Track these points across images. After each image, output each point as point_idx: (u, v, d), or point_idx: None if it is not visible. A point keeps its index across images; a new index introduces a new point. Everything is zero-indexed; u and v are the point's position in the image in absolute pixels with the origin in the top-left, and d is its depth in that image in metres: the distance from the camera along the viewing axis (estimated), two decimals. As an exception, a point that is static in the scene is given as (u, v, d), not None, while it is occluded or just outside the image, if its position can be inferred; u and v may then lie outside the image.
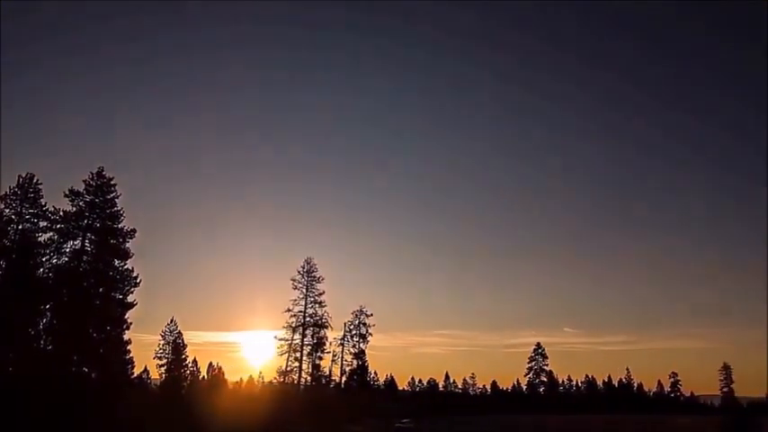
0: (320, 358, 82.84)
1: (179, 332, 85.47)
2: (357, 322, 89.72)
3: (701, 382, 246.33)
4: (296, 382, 79.53)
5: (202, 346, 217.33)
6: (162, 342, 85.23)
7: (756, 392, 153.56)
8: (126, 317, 49.25)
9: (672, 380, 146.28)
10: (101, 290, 49.09)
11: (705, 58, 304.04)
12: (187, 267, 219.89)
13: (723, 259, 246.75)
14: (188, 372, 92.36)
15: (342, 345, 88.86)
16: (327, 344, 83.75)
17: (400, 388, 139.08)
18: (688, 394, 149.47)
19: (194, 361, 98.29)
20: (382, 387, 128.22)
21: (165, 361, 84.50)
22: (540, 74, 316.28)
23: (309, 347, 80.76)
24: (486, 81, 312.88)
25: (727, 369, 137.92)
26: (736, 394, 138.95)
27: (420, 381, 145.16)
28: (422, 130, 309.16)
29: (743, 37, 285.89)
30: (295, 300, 79.68)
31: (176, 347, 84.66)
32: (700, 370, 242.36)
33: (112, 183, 50.56)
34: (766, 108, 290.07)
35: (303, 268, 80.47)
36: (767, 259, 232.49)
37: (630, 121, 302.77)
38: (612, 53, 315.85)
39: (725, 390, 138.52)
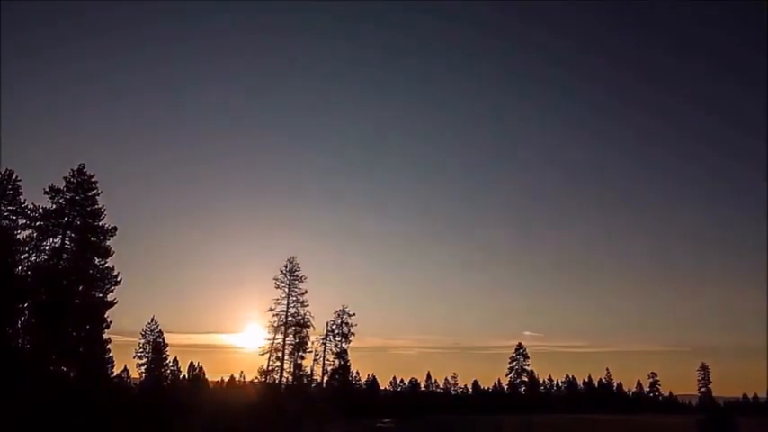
0: (302, 358, 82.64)
1: (159, 331, 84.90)
2: (339, 321, 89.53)
3: (680, 382, 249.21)
4: (277, 381, 79.33)
5: (185, 347, 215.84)
6: (142, 341, 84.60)
7: (733, 392, 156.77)
8: (106, 315, 48.88)
9: (651, 380, 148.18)
10: (80, 288, 48.62)
11: (705, 53, 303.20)
12: (170, 267, 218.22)
13: (706, 263, 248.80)
14: (168, 371, 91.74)
15: (324, 344, 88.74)
16: (309, 343, 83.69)
17: (382, 388, 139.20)
18: (667, 394, 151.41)
19: (175, 360, 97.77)
20: (364, 387, 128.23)
21: (145, 360, 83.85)
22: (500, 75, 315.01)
23: (291, 347, 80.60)
24: (473, 80, 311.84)
25: (705, 369, 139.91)
26: (713, 394, 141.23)
27: (402, 380, 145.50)
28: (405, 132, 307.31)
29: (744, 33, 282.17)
30: (277, 299, 79.41)
31: (157, 346, 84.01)
32: (679, 370, 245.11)
33: (93, 180, 50.07)
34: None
35: (286, 267, 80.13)
36: (767, 260, 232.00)
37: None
38: (612, 47, 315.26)
39: (703, 390, 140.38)
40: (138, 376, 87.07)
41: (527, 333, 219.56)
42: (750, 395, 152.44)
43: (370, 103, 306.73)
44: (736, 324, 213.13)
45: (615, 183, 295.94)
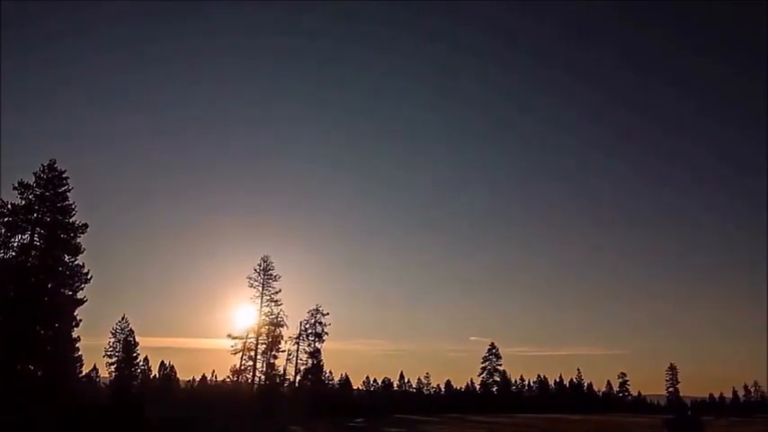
0: (275, 357, 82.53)
1: (130, 330, 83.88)
2: (313, 321, 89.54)
3: (648, 383, 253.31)
4: (250, 381, 79.01)
5: (156, 350, 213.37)
6: (112, 340, 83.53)
7: (700, 392, 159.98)
8: (75, 314, 48.21)
9: (620, 380, 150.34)
10: (49, 286, 47.89)
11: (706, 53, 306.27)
12: (143, 268, 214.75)
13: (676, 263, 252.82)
14: (139, 371, 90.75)
15: (297, 344, 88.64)
16: (283, 343, 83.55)
17: (355, 387, 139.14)
18: (636, 394, 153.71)
19: (146, 359, 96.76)
20: (337, 386, 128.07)
21: (115, 359, 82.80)
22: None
23: (264, 346, 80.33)
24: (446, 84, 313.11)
25: (673, 370, 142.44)
26: (681, 394, 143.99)
27: (375, 380, 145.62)
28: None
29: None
30: (251, 298, 79.16)
31: (127, 345, 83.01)
32: (648, 370, 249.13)
33: (64, 176, 49.36)
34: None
35: (260, 266, 79.94)
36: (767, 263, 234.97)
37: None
38: (611, 51, 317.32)
39: (670, 390, 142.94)
40: (107, 375, 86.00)
41: (473, 338, 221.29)
42: (716, 395, 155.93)
43: (350, 104, 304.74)
44: (700, 327, 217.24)
45: (564, 186, 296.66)
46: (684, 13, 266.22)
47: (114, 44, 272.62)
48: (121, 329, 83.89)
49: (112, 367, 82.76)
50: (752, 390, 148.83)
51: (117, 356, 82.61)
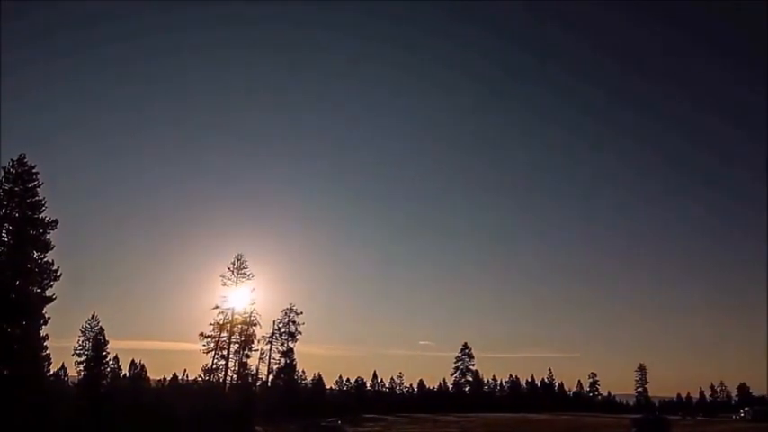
0: (247, 356, 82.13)
1: (100, 328, 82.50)
2: (287, 320, 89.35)
3: (619, 383, 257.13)
4: (222, 380, 78.47)
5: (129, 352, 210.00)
6: (82, 338, 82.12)
7: (668, 392, 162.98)
8: (44, 312, 47.47)
9: (591, 380, 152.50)
10: (17, 282, 47.10)
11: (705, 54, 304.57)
12: (115, 266, 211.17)
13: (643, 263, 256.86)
14: (108, 369, 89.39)
15: (270, 343, 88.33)
16: (256, 342, 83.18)
17: (327, 387, 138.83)
18: (606, 394, 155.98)
19: (116, 358, 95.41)
20: (309, 386, 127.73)
21: (84, 358, 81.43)
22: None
23: (237, 345, 79.88)
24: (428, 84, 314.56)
25: (642, 370, 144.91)
26: (649, 394, 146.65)
27: (348, 380, 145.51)
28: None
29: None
30: (224, 297, 78.61)
31: (97, 344, 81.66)
32: (617, 370, 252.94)
33: (34, 171, 48.57)
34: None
35: (233, 264, 79.45)
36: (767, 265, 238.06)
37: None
38: (613, 48, 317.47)
39: (639, 390, 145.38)
40: (76, 375, 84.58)
41: (422, 342, 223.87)
42: (683, 395, 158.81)
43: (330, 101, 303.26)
44: (668, 329, 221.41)
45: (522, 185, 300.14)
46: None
47: (87, 42, 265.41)
48: (91, 328, 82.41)
49: (81, 366, 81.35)
50: (718, 390, 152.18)
51: (86, 355, 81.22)
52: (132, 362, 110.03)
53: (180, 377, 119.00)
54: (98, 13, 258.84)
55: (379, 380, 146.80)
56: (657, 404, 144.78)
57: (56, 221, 48.45)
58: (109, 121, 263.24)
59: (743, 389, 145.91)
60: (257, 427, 72.83)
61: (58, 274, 47.90)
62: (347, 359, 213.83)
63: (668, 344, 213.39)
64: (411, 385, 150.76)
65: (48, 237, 48.05)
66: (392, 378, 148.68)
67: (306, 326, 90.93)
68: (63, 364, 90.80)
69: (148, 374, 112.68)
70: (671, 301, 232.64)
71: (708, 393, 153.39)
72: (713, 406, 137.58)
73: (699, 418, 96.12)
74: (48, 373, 57.04)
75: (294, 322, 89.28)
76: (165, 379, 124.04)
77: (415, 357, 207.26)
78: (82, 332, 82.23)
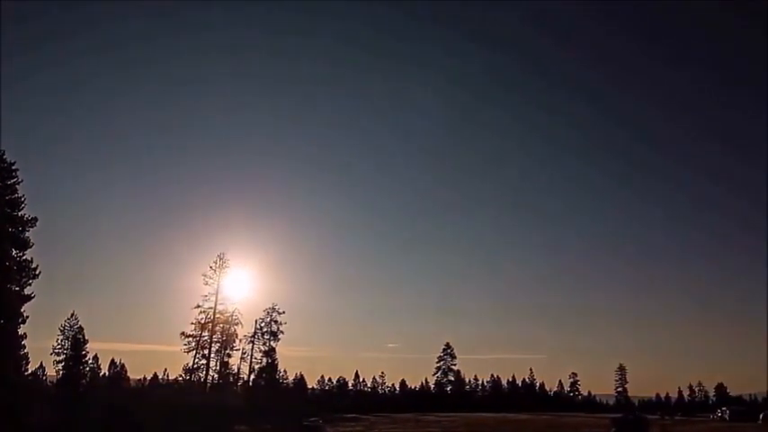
0: (229, 356, 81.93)
1: (80, 327, 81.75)
2: (269, 319, 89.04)
3: (599, 383, 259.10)
4: (203, 379, 78.12)
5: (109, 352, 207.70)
6: (61, 338, 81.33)
7: (647, 392, 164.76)
8: (22, 310, 46.98)
9: (571, 380, 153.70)
10: (-5, 280, 46.56)
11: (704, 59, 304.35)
12: (97, 266, 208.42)
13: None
14: (88, 369, 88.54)
15: (252, 342, 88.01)
16: (237, 341, 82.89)
17: (310, 387, 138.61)
18: (586, 393, 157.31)
19: (95, 357, 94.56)
20: (291, 385, 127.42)
21: (63, 357, 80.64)
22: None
23: (218, 344, 79.55)
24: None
25: (622, 370, 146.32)
26: (629, 394, 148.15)
27: (330, 379, 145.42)
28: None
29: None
30: (206, 296, 78.23)
31: (76, 343, 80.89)
32: (598, 370, 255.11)
33: (14, 168, 48.04)
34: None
35: (216, 263, 79.10)
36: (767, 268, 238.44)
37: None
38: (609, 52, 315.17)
39: (619, 390, 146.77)
40: (55, 374, 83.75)
41: (390, 345, 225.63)
42: (662, 395, 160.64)
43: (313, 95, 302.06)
44: (648, 329, 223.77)
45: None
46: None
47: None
48: (70, 327, 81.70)
49: (60, 366, 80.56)
50: (696, 390, 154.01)
51: (65, 354, 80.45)
52: (112, 361, 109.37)
53: (161, 377, 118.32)
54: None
55: (361, 380, 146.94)
56: (637, 404, 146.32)
57: (35, 219, 48.09)
58: (89, 118, 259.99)
59: (720, 389, 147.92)
60: (237, 427, 72.53)
61: (37, 272, 47.52)
62: (324, 360, 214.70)
63: (647, 344, 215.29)
64: (393, 385, 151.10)
65: (27, 234, 47.67)
66: (374, 378, 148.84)
67: (288, 325, 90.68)
68: (42, 363, 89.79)
69: (128, 374, 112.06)
70: (650, 303, 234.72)
71: (686, 393, 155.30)
72: (691, 406, 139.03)
73: (677, 417, 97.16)
74: (26, 373, 56.36)
75: (276, 322, 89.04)
76: (145, 379, 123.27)
77: (384, 360, 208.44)
78: (61, 331, 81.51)
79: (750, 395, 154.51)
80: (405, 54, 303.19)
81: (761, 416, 76.01)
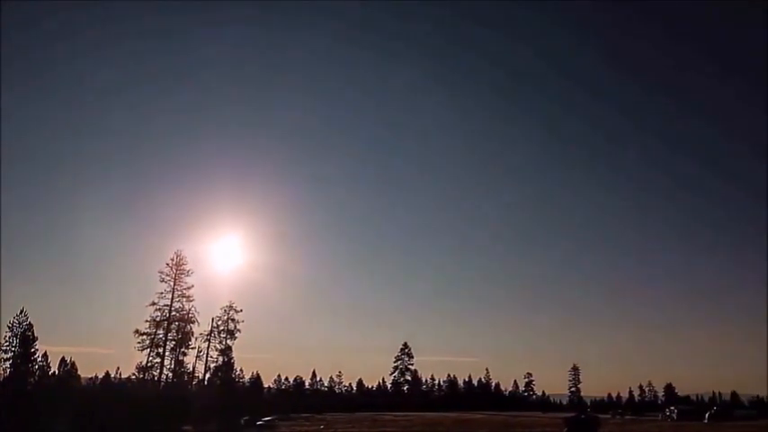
0: (184, 354, 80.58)
1: (29, 324, 79.36)
2: (226, 318, 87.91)
3: (553, 383, 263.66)
4: (156, 378, 76.73)
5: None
6: (8, 335, 78.83)
7: (599, 392, 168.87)
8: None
9: (526, 380, 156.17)
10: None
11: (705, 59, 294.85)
12: (50, 265, 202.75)
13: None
14: (36, 367, 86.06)
15: (208, 341, 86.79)
16: (193, 339, 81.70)
17: (266, 386, 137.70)
18: (540, 393, 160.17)
19: (44, 355, 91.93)
20: (248, 384, 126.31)
21: (10, 355, 78.15)
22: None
23: (173, 343, 78.28)
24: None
25: (575, 370, 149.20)
26: (582, 394, 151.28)
27: (286, 379, 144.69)
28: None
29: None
30: (161, 293, 76.98)
31: (25, 340, 78.53)
32: (552, 371, 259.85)
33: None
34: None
35: (172, 261, 77.98)
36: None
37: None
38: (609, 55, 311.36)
39: (573, 389, 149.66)
40: (1, 372, 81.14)
41: (347, 344, 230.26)
42: (614, 395, 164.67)
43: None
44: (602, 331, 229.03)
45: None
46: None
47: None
48: (19, 324, 79.25)
49: (7, 363, 78.09)
50: (646, 390, 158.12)
51: (13, 352, 78.01)
52: (62, 360, 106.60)
53: (113, 375, 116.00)
54: None
55: (318, 378, 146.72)
56: (589, 403, 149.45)
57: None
58: (48, 112, 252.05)
59: (669, 389, 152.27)
60: (186, 427, 71.65)
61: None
62: (279, 362, 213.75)
63: (600, 346, 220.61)
64: (350, 384, 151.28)
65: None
66: (331, 377, 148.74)
67: (245, 323, 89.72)
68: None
69: (79, 373, 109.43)
70: (604, 308, 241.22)
71: (637, 393, 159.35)
72: (641, 405, 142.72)
73: (627, 417, 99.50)
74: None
75: (233, 320, 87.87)
76: (96, 377, 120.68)
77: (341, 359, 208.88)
78: (9, 328, 79.03)
79: (697, 395, 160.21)
80: (402, 51, 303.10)
81: (707, 415, 78.43)
